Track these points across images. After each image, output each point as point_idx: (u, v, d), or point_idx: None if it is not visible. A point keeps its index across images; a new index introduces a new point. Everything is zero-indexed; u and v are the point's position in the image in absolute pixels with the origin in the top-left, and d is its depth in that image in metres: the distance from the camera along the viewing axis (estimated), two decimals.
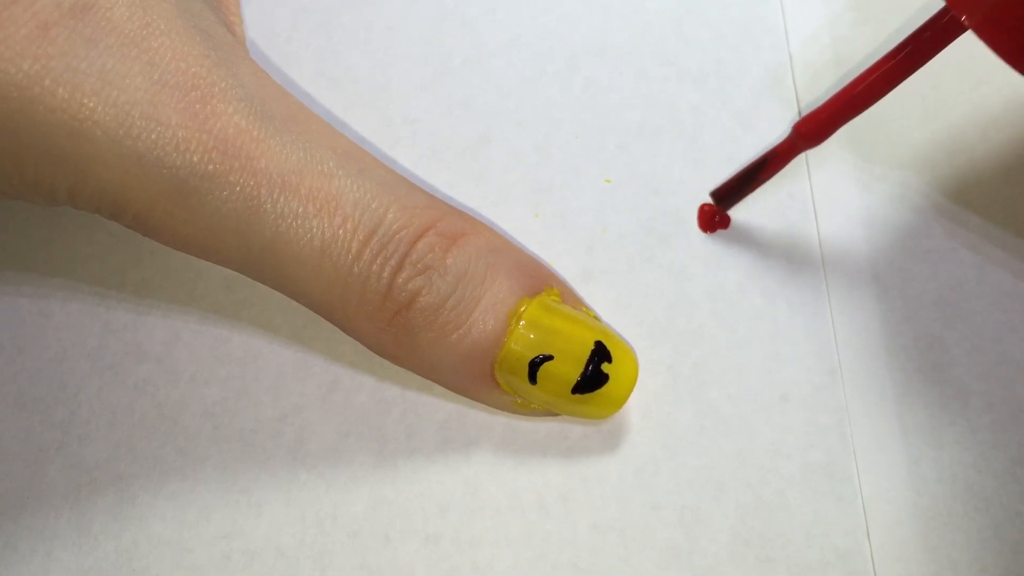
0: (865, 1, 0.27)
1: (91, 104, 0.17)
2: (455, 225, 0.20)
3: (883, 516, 0.21)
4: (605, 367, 0.20)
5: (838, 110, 0.20)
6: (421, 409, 0.23)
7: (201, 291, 0.24)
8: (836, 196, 0.24)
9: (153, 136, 0.18)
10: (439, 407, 0.23)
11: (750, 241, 0.24)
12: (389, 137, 0.25)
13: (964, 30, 0.18)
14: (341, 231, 0.19)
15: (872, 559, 0.21)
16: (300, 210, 0.19)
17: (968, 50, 0.18)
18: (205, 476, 0.22)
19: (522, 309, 0.20)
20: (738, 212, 0.24)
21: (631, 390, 0.21)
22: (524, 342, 0.20)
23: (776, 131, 0.25)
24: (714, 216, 0.24)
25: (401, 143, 0.25)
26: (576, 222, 0.24)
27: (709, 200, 0.24)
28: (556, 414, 0.22)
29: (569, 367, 0.20)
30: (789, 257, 0.24)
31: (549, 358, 0.20)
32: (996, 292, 0.23)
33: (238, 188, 0.19)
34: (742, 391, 0.23)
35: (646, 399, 0.23)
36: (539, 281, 0.21)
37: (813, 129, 0.21)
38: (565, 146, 0.25)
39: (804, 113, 0.25)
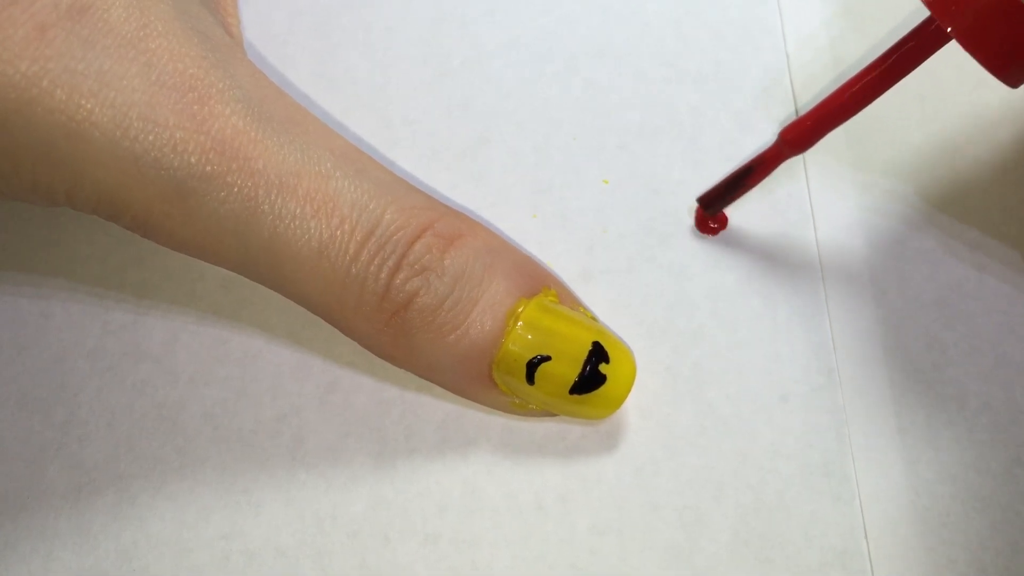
0: (862, 2, 0.27)
1: (89, 105, 0.17)
2: (453, 226, 0.20)
3: (881, 516, 0.21)
4: (603, 368, 0.20)
5: (823, 117, 0.20)
6: (420, 409, 0.23)
7: (200, 291, 0.24)
8: (834, 196, 0.24)
9: (150, 137, 0.18)
10: (438, 407, 0.23)
11: (749, 242, 0.24)
12: (388, 138, 0.25)
13: (949, 40, 0.18)
14: (339, 232, 0.19)
15: (870, 559, 0.21)
16: (298, 211, 0.19)
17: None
18: (204, 476, 0.22)
19: (520, 310, 0.20)
20: (737, 213, 0.24)
21: (629, 390, 0.21)
22: (522, 343, 0.20)
23: (774, 132, 0.25)
24: (707, 219, 0.24)
25: (400, 144, 0.25)
26: (576, 222, 0.24)
27: None
28: (554, 414, 0.22)
29: (567, 368, 0.20)
30: (787, 257, 0.24)
31: (547, 359, 0.20)
32: (995, 293, 0.23)
33: (236, 189, 0.19)
34: (741, 391, 0.23)
35: (645, 399, 0.23)
36: (537, 282, 0.21)
37: (798, 136, 0.21)
38: (564, 147, 0.25)
39: (802, 114, 0.25)
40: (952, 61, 0.20)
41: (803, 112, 0.25)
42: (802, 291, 0.23)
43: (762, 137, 0.25)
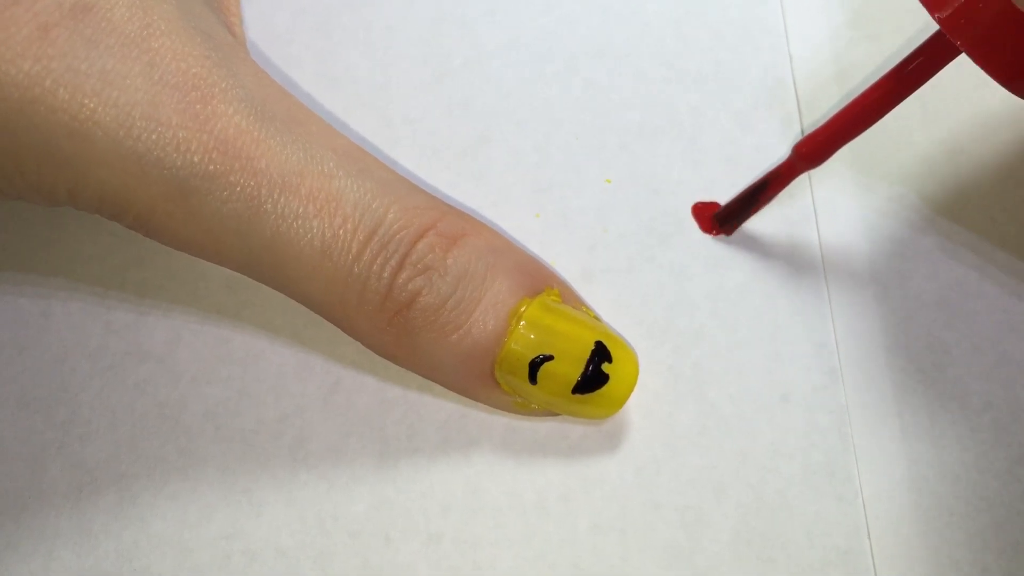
0: (864, 1, 0.27)
1: (92, 105, 0.17)
2: (455, 225, 0.20)
3: (884, 516, 0.21)
4: (605, 367, 0.20)
5: (837, 132, 0.20)
6: (422, 409, 0.23)
7: (203, 291, 0.24)
8: (836, 196, 0.24)
9: (153, 136, 0.18)
10: (440, 407, 0.23)
11: (751, 241, 0.24)
12: (389, 137, 0.25)
13: (959, 53, 0.18)
14: (341, 231, 0.19)
15: (873, 559, 0.21)
16: (300, 210, 0.19)
17: None
18: (206, 476, 0.22)
19: (522, 309, 0.20)
20: None
21: (631, 390, 0.21)
22: (524, 342, 0.20)
23: (775, 132, 0.25)
24: (713, 219, 0.24)
25: (401, 143, 0.25)
26: (576, 222, 0.24)
27: (705, 200, 0.24)
28: (556, 414, 0.22)
29: (569, 367, 0.20)
30: (789, 257, 0.24)
31: (549, 358, 0.20)
32: (996, 292, 0.23)
33: (238, 188, 0.19)
34: (743, 391, 0.23)
35: (647, 399, 0.23)
36: (539, 281, 0.21)
37: (813, 151, 0.21)
38: (565, 146, 0.25)
39: (803, 114, 0.25)
40: (954, 62, 0.20)
41: (806, 115, 0.25)
42: (804, 290, 0.23)
43: (762, 137, 0.25)
